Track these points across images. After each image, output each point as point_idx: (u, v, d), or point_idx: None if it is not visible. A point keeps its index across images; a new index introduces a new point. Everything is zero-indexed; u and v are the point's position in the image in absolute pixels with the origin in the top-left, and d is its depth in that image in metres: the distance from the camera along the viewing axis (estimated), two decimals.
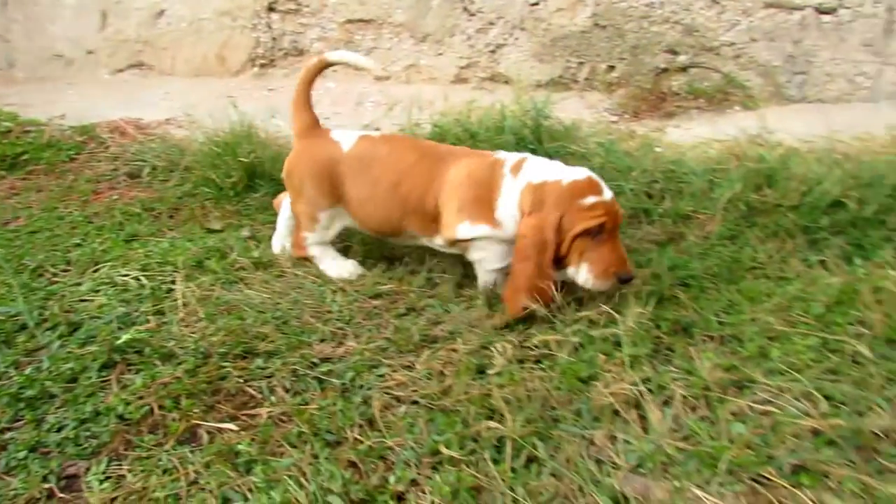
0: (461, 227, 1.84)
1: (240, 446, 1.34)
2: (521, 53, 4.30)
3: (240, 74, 4.74)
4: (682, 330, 1.68)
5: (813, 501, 1.12)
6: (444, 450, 1.25)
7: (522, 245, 1.73)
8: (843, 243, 2.18)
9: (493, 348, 1.58)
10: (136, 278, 2.05)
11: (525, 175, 1.81)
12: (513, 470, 1.21)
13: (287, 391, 1.53)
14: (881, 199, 2.33)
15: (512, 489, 1.16)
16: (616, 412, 1.36)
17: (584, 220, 1.70)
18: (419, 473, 1.21)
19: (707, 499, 1.13)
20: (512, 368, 1.51)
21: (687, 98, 4.02)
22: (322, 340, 1.72)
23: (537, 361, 1.56)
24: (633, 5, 4.06)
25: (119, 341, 1.65)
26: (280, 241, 2.26)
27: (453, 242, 1.89)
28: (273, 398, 1.50)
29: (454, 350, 1.62)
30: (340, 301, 1.92)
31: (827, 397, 1.38)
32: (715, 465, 1.20)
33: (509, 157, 1.89)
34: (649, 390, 1.40)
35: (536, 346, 1.61)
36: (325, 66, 2.13)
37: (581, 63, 4.22)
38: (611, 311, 1.66)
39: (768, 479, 1.19)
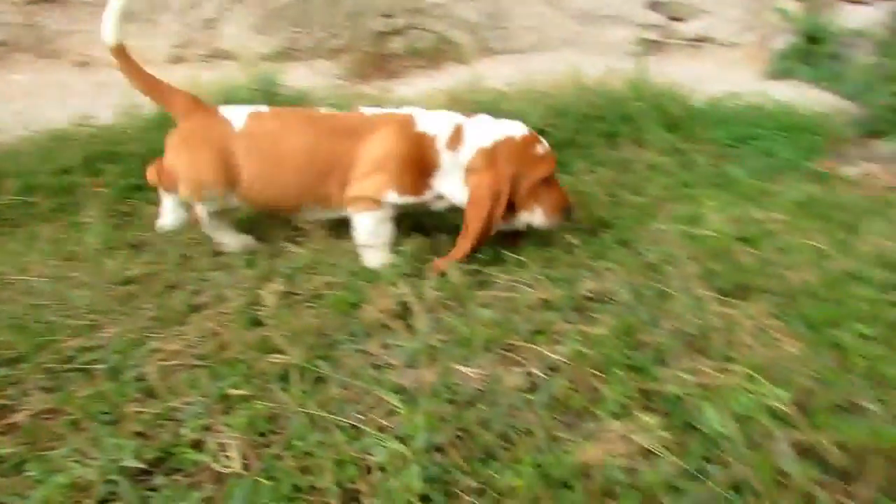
0: (390, 194, 1.79)
1: (1, 451, 1.22)
2: (240, 27, 4.21)
3: None
4: (433, 252, 1.88)
5: (546, 353, 1.38)
6: (232, 392, 1.29)
7: (478, 196, 1.77)
8: None
9: (262, 297, 1.62)
10: None
11: (470, 144, 1.82)
12: (303, 392, 1.29)
13: (46, 390, 1.41)
14: (572, 124, 2.80)
15: (304, 407, 1.24)
16: (385, 325, 1.51)
17: (540, 169, 1.84)
18: (211, 420, 1.23)
19: (469, 372, 1.33)
20: (284, 312, 1.57)
21: (408, 58, 4.31)
22: (74, 336, 1.60)
23: (307, 302, 1.64)
24: None
25: None
26: (173, 216, 2.08)
27: (358, 201, 1.82)
28: (29, 400, 1.38)
29: (224, 312, 1.63)
30: (86, 294, 1.78)
31: (549, 278, 1.69)
32: (471, 345, 1.41)
33: (439, 131, 1.83)
34: (419, 299, 1.57)
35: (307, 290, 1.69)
36: (119, 48, 1.90)
37: (303, 32, 4.27)
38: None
39: (513, 344, 1.43)
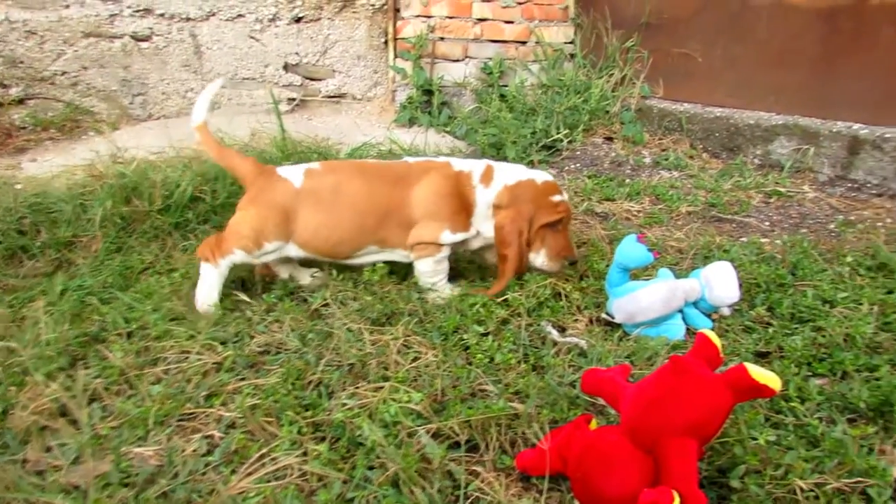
0: (445, 234, 2.07)
1: None
2: None
3: None
4: (94, 339, 1.81)
5: (222, 413, 1.46)
6: None
7: (504, 233, 2.05)
8: (211, 228, 2.64)
9: None
10: None
11: (498, 181, 2.11)
12: None
13: None
14: (228, 188, 2.88)
15: None
16: (45, 427, 1.42)
17: (551, 214, 2.07)
18: None
19: (145, 451, 1.34)
20: None
21: (36, 130, 3.92)
22: None
23: None
24: None
25: None
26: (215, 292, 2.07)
27: (419, 246, 2.09)
28: None
29: None
30: None
31: (219, 341, 1.76)
32: (145, 423, 1.42)
33: (474, 168, 2.14)
34: (72, 397, 1.50)
35: None
36: (203, 125, 2.13)
37: None
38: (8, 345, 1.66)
39: (190, 412, 1.48)
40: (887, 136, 3.17)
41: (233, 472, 1.30)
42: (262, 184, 2.08)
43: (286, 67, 4.62)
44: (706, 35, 4.19)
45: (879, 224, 2.85)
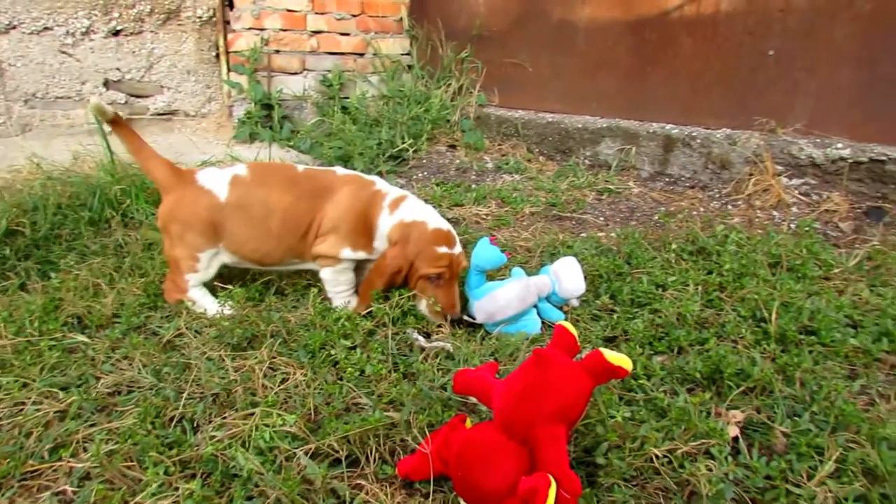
0: (345, 251, 2.08)
1: None
2: None
3: None
4: None
5: (73, 465, 1.33)
6: None
7: (381, 264, 2.02)
8: (34, 264, 2.38)
9: None
10: None
11: (400, 213, 2.06)
12: None
13: None
14: (51, 218, 2.61)
15: None
16: None
17: (430, 265, 1.99)
18: None
19: None
20: None
21: None
22: None
23: None
24: None
25: None
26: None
27: (321, 258, 2.11)
28: None
29: None
30: None
31: (58, 386, 1.60)
32: None
33: (390, 192, 2.13)
34: None
35: None
36: (115, 118, 2.05)
37: None
38: None
39: (34, 469, 1.33)
40: (694, 134, 3.58)
41: None
42: (179, 195, 2.05)
43: (107, 84, 4.28)
44: (533, 47, 4.48)
45: (695, 213, 3.21)
